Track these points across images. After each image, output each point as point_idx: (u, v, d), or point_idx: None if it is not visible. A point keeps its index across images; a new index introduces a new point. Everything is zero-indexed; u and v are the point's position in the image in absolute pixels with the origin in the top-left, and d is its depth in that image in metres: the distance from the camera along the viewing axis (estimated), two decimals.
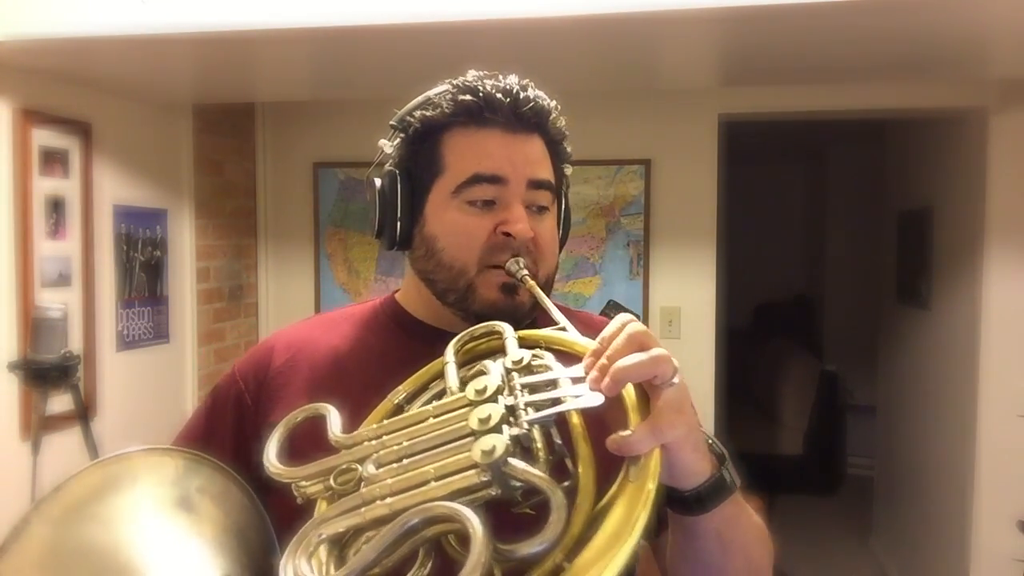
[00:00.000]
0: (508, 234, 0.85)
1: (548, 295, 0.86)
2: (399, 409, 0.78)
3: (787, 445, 5.07)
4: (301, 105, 3.36)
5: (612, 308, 3.20)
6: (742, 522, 0.77)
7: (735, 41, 2.22)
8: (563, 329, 0.79)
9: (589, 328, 0.83)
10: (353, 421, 0.75)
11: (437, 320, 0.92)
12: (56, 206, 2.40)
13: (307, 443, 0.75)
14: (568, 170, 0.95)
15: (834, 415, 5.23)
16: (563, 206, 0.97)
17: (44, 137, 2.35)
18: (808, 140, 5.53)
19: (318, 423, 0.76)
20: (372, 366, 0.90)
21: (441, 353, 0.83)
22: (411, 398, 0.78)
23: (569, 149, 0.93)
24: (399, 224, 0.89)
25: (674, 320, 3.15)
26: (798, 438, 5.07)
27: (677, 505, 0.71)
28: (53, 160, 2.39)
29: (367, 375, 0.89)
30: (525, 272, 0.85)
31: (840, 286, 5.91)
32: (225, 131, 3.21)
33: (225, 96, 3.01)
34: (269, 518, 0.77)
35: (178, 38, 2.01)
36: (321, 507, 0.70)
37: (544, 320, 0.89)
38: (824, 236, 6.01)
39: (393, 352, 0.91)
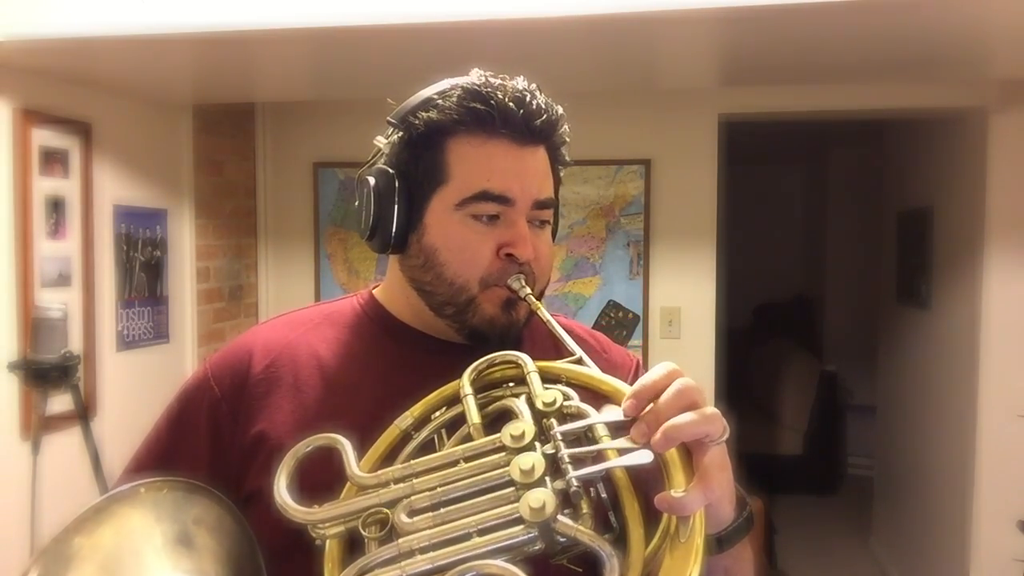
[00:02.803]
0: (511, 255, 0.83)
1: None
2: (407, 436, 0.75)
3: (787, 445, 5.07)
4: (301, 105, 3.35)
5: (612, 308, 3.20)
6: (745, 556, 0.78)
7: (735, 41, 2.22)
8: (579, 360, 0.77)
9: (580, 341, 0.82)
10: (346, 435, 0.73)
11: (425, 326, 0.88)
12: (56, 206, 2.40)
13: (308, 469, 0.73)
14: (562, 172, 0.92)
15: (834, 415, 5.23)
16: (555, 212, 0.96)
17: (44, 137, 2.35)
18: (808, 140, 5.53)
19: (322, 449, 0.73)
20: (360, 376, 0.86)
21: (431, 360, 0.82)
22: (419, 425, 0.76)
23: (567, 154, 0.91)
24: (394, 228, 0.84)
25: (674, 320, 3.15)
26: (798, 438, 5.07)
27: None
28: (53, 160, 2.39)
29: (356, 386, 0.85)
30: (528, 291, 0.83)
31: (840, 286, 5.91)
32: (225, 131, 3.20)
33: (225, 96, 3.01)
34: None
35: (178, 38, 2.01)
36: (333, 547, 0.68)
37: (531, 331, 0.88)
38: (824, 236, 6.01)
39: (381, 360, 0.88)
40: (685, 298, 3.16)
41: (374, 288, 0.95)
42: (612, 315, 3.16)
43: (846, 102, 3.05)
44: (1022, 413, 2.83)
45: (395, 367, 0.86)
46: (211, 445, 0.84)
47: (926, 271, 3.47)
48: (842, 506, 5.00)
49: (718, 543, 0.71)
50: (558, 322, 0.85)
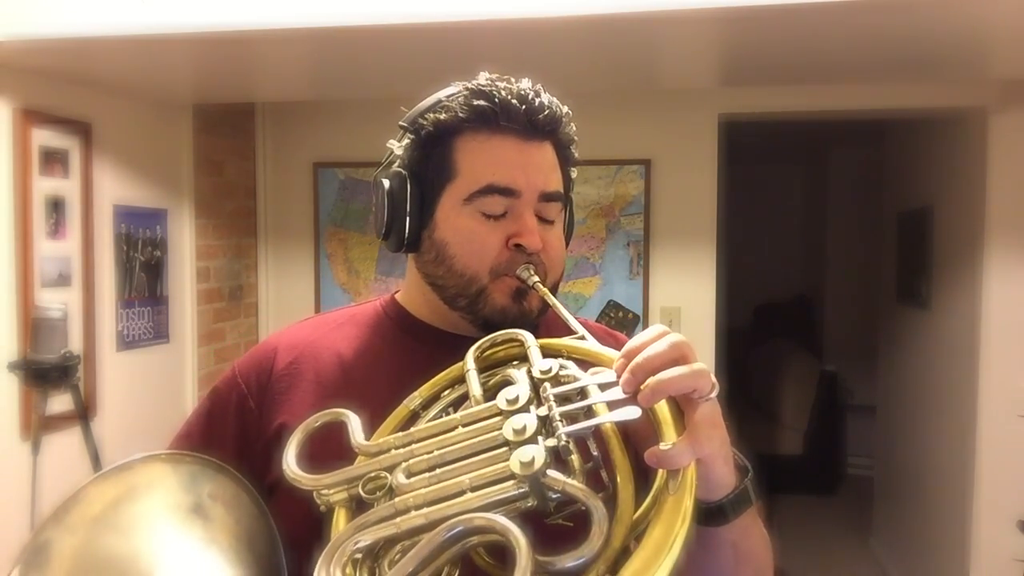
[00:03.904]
0: (519, 246, 0.85)
1: None
2: (415, 416, 0.77)
3: (787, 445, 5.07)
4: (301, 105, 3.36)
5: (612, 308, 3.20)
6: (754, 532, 0.77)
7: (735, 41, 2.22)
8: (582, 338, 0.78)
9: (599, 338, 0.82)
10: (363, 425, 0.75)
11: (442, 322, 0.91)
12: (56, 206, 2.40)
13: (321, 447, 0.75)
14: (574, 172, 0.95)
15: (834, 415, 5.23)
16: (568, 210, 0.97)
17: (44, 137, 2.35)
18: (808, 140, 5.54)
19: (333, 428, 0.75)
20: (378, 370, 0.90)
21: (446, 354, 0.82)
22: (427, 404, 0.78)
23: (576, 153, 0.93)
24: (408, 227, 0.87)
25: (674, 320, 3.15)
26: (798, 438, 5.07)
27: (699, 516, 0.71)
28: (53, 160, 2.39)
29: (373, 379, 0.88)
30: (537, 279, 0.85)
31: (840, 286, 5.91)
32: (225, 131, 3.21)
33: (225, 96, 3.01)
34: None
35: (178, 38, 2.01)
36: (339, 516, 0.69)
37: (548, 326, 0.89)
38: (824, 236, 6.01)
39: (398, 355, 0.91)
40: (685, 298, 3.16)
41: (397, 292, 0.99)
42: (612, 315, 3.16)
43: (846, 102, 3.05)
44: (1022, 413, 2.83)
45: (412, 361, 0.88)
46: (239, 438, 0.89)
47: (926, 271, 3.47)
48: (842, 506, 5.00)
49: (722, 513, 0.70)
50: (580, 322, 0.85)
